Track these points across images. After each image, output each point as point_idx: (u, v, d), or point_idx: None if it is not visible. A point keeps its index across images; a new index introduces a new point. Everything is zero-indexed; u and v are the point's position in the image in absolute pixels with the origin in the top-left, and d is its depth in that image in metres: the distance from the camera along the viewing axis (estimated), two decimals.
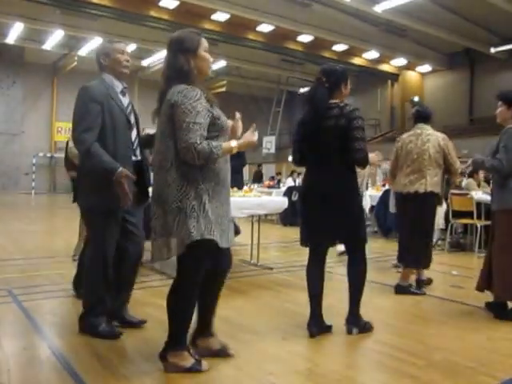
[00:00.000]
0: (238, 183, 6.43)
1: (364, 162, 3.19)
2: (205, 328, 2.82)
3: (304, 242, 3.37)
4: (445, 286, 4.90)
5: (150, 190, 2.75)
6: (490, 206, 4.01)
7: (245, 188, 6.33)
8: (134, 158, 3.10)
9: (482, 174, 8.14)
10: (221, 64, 23.68)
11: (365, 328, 3.31)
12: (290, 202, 6.33)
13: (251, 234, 5.86)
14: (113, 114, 2.99)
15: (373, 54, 21.74)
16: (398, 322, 3.60)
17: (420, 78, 24.58)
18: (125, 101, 3.13)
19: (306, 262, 5.38)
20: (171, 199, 2.42)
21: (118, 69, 3.12)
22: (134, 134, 3.13)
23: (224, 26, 18.52)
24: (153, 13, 17.14)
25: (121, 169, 2.85)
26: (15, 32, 19.25)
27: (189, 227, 2.40)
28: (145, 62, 24.01)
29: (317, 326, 3.24)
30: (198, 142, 2.35)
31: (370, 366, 2.82)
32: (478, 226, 6.93)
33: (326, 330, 3.29)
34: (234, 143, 2.51)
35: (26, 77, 24.32)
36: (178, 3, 16.65)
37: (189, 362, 2.59)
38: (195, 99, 2.41)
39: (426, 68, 23.38)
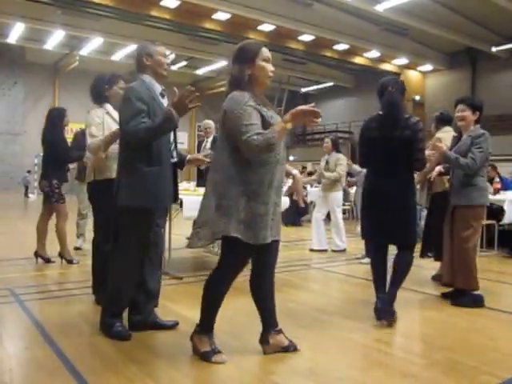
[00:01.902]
0: None
1: (421, 169, 3.78)
2: (271, 325, 2.90)
3: (367, 237, 3.80)
4: None
5: None
6: (450, 201, 4.25)
7: None
8: (171, 159, 3.17)
9: None
10: (221, 64, 23.71)
11: (393, 316, 3.48)
12: (292, 202, 6.32)
13: None
14: (156, 115, 2.97)
15: (374, 54, 21.74)
16: (398, 321, 3.60)
17: (421, 77, 24.56)
18: (164, 103, 3.14)
19: (307, 262, 5.41)
20: (217, 196, 2.63)
21: (159, 71, 3.14)
22: (172, 136, 3.17)
23: (225, 25, 18.52)
24: (154, 12, 17.15)
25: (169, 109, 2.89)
26: (16, 32, 19.29)
27: (221, 223, 2.59)
28: None
29: (386, 312, 3.50)
30: (255, 138, 2.50)
31: (371, 365, 2.82)
32: None
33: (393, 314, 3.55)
34: (284, 119, 2.60)
35: (28, 77, 24.36)
36: (179, 3, 16.65)
37: (205, 348, 2.75)
38: (245, 103, 2.57)
39: (427, 67, 23.39)
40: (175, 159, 3.21)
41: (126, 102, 2.99)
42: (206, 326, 2.83)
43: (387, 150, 3.52)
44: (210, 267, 5.78)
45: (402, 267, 3.63)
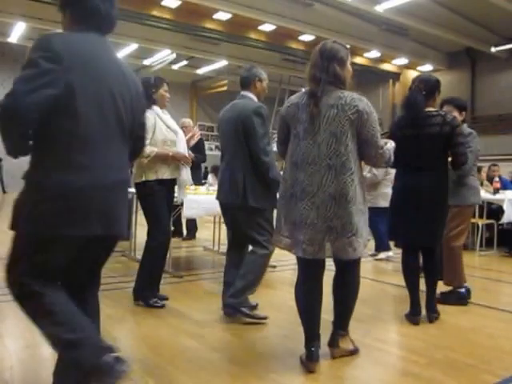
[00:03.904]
0: (197, 179, 6.67)
1: (465, 163, 3.58)
2: (340, 327, 2.87)
3: (396, 239, 3.75)
4: None
5: None
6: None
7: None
8: None
9: (484, 174, 8.13)
10: (222, 63, 23.71)
11: (438, 315, 3.61)
12: None
13: None
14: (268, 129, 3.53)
15: (374, 54, 21.73)
16: (397, 320, 3.61)
17: None
18: None
19: None
20: (358, 200, 2.55)
21: (262, 94, 3.68)
22: None
23: (226, 25, 18.52)
24: (155, 12, 17.15)
25: None
26: (18, 31, 19.30)
27: (367, 229, 2.65)
28: (147, 62, 24.04)
29: (418, 314, 3.56)
30: (387, 153, 2.66)
31: (371, 364, 2.82)
32: (480, 224, 6.93)
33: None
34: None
35: None
36: (180, 2, 16.65)
37: (352, 345, 2.88)
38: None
39: (427, 67, 23.35)
40: None
41: (262, 118, 3.45)
42: (347, 325, 2.87)
43: (417, 148, 3.47)
44: (209, 266, 5.83)
45: (431, 275, 3.63)
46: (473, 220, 7.04)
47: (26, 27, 18.73)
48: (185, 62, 23.87)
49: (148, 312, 3.64)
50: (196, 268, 4.86)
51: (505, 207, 6.65)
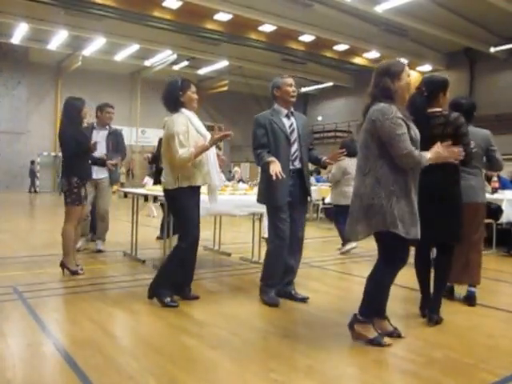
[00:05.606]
0: None
1: (469, 163, 3.63)
2: (381, 311, 3.14)
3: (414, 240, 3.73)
4: None
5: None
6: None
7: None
8: (292, 166, 3.93)
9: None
10: (223, 64, 23.75)
11: (440, 319, 3.54)
12: None
13: (252, 232, 5.90)
14: (275, 133, 3.89)
15: (374, 54, 21.75)
16: (396, 319, 3.62)
17: (420, 77, 24.55)
18: (287, 123, 3.98)
19: (305, 261, 5.38)
20: (365, 197, 2.94)
21: (286, 98, 3.98)
22: (294, 148, 3.95)
23: (226, 25, 18.56)
24: (156, 13, 17.20)
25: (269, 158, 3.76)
26: (20, 32, 19.36)
27: (377, 220, 2.89)
28: (148, 62, 24.08)
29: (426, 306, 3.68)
30: (414, 149, 2.85)
31: (370, 363, 2.83)
32: None
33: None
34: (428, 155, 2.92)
35: (31, 77, 24.42)
36: (181, 3, 16.70)
37: (372, 334, 3.02)
38: (395, 115, 2.86)
39: (426, 67, 23.38)
40: (297, 166, 3.96)
41: (255, 126, 3.98)
42: (369, 314, 3.05)
43: (422, 149, 3.45)
44: (209, 265, 5.83)
45: (442, 275, 3.60)
46: None
47: (27, 28, 18.78)
48: (186, 63, 23.89)
49: (149, 311, 3.66)
50: (196, 267, 4.84)
51: (504, 207, 6.66)
